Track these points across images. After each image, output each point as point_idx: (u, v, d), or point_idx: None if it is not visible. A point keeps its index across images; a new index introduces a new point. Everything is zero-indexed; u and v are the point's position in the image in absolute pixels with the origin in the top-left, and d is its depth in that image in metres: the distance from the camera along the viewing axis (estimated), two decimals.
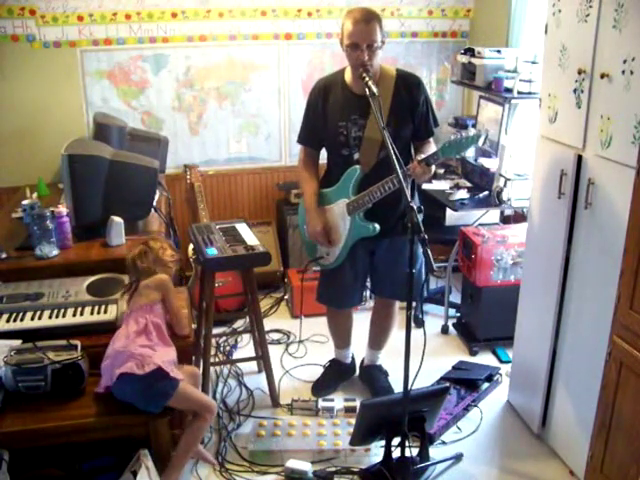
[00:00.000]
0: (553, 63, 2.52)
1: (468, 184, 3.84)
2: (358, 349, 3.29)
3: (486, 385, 3.14)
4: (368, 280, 3.11)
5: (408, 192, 2.24)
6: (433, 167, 2.57)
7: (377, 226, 2.72)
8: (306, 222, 2.85)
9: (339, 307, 3.11)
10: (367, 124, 2.66)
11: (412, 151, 2.83)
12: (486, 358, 3.46)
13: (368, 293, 3.72)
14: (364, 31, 2.51)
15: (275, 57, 4.20)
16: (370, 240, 2.78)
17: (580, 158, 2.39)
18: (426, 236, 2.07)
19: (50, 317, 2.44)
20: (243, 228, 3.15)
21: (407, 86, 2.70)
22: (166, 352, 2.29)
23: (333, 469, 2.62)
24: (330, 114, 2.74)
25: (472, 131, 2.51)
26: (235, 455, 2.72)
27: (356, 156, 2.72)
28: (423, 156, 2.55)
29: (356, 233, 2.77)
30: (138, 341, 2.24)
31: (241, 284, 3.22)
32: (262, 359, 3.10)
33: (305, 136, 2.87)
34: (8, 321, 2.40)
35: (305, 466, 2.56)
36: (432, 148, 2.74)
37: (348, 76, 2.70)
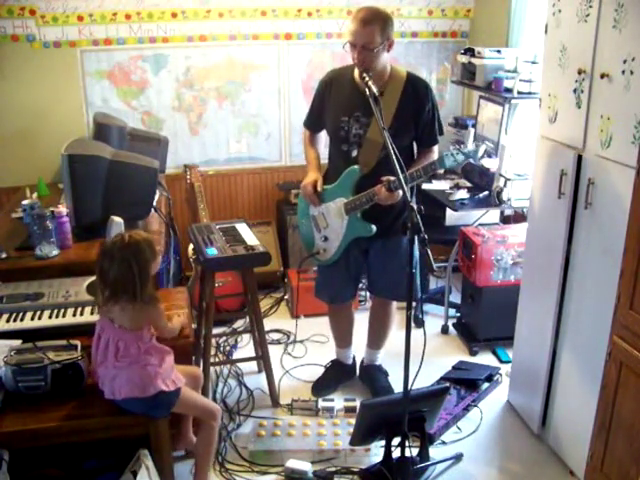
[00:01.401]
0: (553, 63, 2.52)
1: (468, 184, 3.84)
2: (358, 350, 3.29)
3: (486, 385, 3.14)
4: (365, 279, 3.11)
5: (409, 193, 2.24)
6: (399, 192, 2.51)
7: (373, 227, 2.72)
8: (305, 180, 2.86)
9: (331, 302, 3.12)
10: (371, 124, 2.66)
11: (415, 156, 2.82)
12: (486, 358, 3.46)
13: (368, 293, 3.72)
14: (360, 32, 2.52)
15: (275, 57, 4.20)
16: (364, 239, 2.79)
17: (580, 158, 2.39)
18: (426, 236, 2.07)
19: (50, 317, 2.43)
20: (243, 228, 3.15)
21: (415, 91, 2.69)
22: (162, 361, 2.19)
23: (333, 469, 2.62)
24: (333, 107, 2.74)
25: (472, 145, 2.53)
26: (235, 455, 2.72)
27: (354, 153, 2.72)
28: (392, 178, 2.50)
29: (352, 232, 2.78)
30: (136, 363, 2.14)
31: (241, 284, 3.22)
32: (262, 359, 3.10)
33: (309, 122, 2.94)
34: (8, 321, 2.40)
35: (305, 466, 2.56)
36: (434, 157, 2.73)
37: (356, 72, 2.69)
